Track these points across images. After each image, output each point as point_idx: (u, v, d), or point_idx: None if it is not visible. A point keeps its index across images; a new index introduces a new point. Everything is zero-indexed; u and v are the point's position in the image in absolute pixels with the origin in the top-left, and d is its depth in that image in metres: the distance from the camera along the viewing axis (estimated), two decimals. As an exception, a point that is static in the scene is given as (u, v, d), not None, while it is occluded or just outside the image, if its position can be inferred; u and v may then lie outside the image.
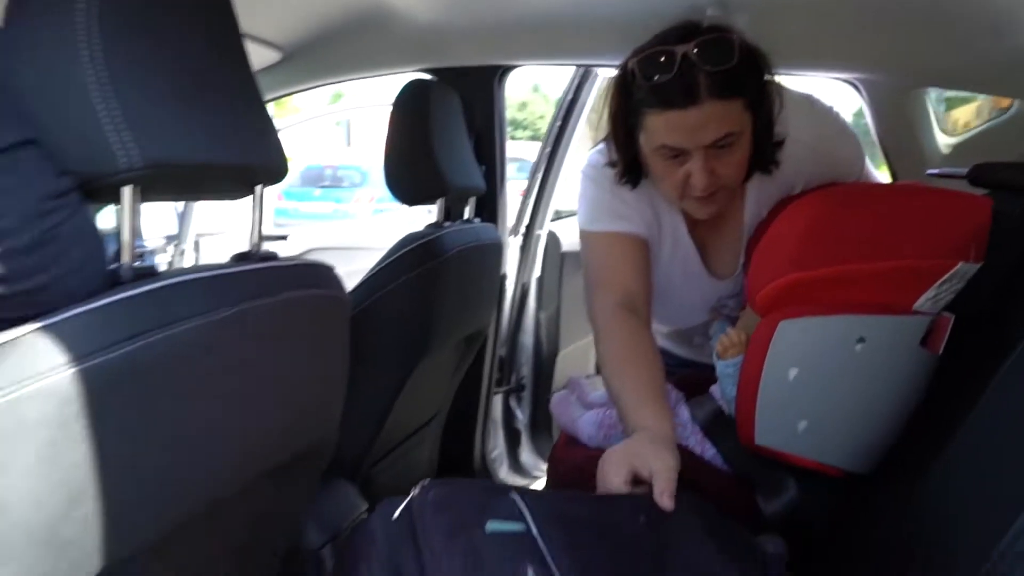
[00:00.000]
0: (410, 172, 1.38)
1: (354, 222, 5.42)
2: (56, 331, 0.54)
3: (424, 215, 2.08)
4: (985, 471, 0.89)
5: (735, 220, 1.27)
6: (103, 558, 0.58)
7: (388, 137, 1.38)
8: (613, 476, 0.89)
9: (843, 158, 1.25)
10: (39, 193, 0.54)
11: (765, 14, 1.18)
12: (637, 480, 0.90)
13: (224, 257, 0.78)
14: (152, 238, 2.36)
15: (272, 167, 0.77)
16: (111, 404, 0.56)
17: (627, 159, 1.18)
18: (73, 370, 0.54)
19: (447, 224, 1.48)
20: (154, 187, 0.63)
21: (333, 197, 8.36)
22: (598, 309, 1.21)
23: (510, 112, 2.06)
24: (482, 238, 1.53)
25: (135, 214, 0.62)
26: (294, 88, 1.80)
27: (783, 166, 1.19)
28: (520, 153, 5.51)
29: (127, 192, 0.61)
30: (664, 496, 0.85)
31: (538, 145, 2.22)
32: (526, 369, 2.21)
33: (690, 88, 1.03)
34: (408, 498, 0.74)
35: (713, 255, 1.32)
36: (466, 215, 1.64)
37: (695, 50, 1.03)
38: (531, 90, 18.13)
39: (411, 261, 1.31)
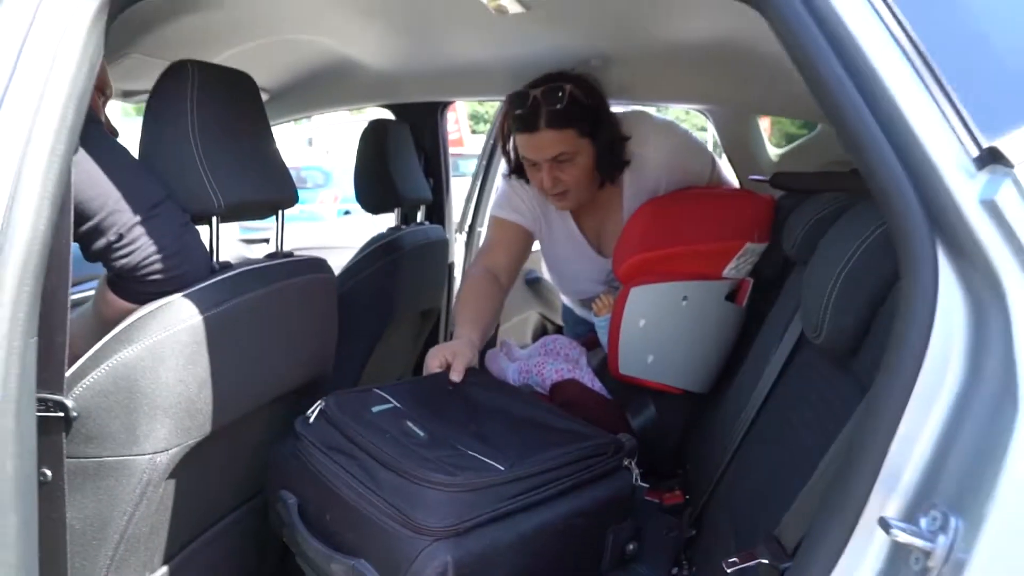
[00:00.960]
0: (373, 188, 1.84)
1: (324, 224, 5.89)
2: (188, 298, 1.00)
3: (384, 217, 2.52)
4: (753, 364, 1.36)
5: (616, 213, 1.75)
6: (211, 424, 1.05)
7: (356, 164, 1.84)
8: (432, 360, 1.37)
9: (692, 169, 1.73)
10: (176, 224, 1.01)
11: (633, 64, 1.65)
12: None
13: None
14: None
15: (289, 197, 1.24)
16: (215, 337, 1.03)
17: (513, 162, 1.69)
18: (197, 319, 1.00)
19: (403, 227, 1.95)
20: (228, 216, 1.10)
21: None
22: (472, 268, 1.73)
23: (472, 106, 2.49)
24: (431, 236, 2.01)
25: (219, 233, 1.09)
26: (280, 120, 2.23)
27: (648, 173, 1.67)
28: (481, 149, 5.72)
29: (215, 221, 1.08)
30: (453, 373, 1.33)
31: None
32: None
33: (534, 119, 1.52)
34: (316, 409, 1.13)
35: (600, 238, 1.81)
36: (419, 219, 2.11)
37: (540, 93, 1.51)
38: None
39: (377, 255, 1.78)
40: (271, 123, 2.23)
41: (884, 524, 0.61)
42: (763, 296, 1.58)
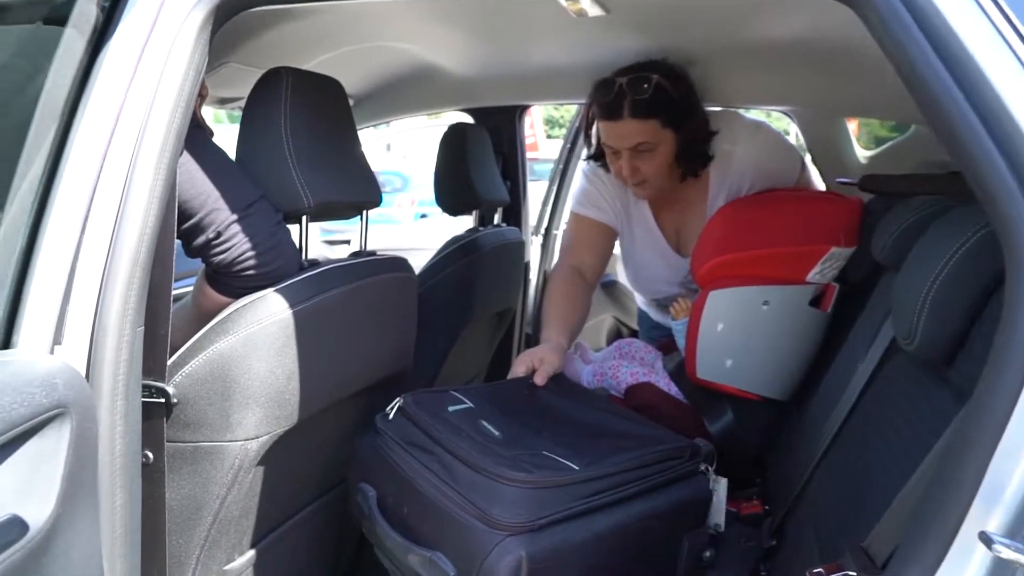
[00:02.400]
0: (453, 191, 1.88)
1: (400, 227, 6.03)
2: (279, 293, 1.05)
3: (460, 220, 2.55)
4: (838, 373, 1.32)
5: (699, 211, 1.71)
6: (298, 414, 1.09)
7: (436, 167, 1.88)
8: (519, 365, 1.39)
9: (779, 171, 1.68)
10: (270, 222, 1.06)
11: (717, 65, 1.62)
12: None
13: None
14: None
15: (373, 198, 1.28)
16: (303, 331, 1.07)
17: (594, 148, 1.67)
18: (286, 313, 1.05)
19: (481, 229, 1.98)
20: (317, 216, 1.14)
21: (374, 202, 8.91)
22: (556, 268, 1.72)
23: (547, 111, 2.50)
24: (508, 238, 2.03)
25: (308, 232, 1.14)
26: (363, 125, 2.30)
27: (734, 172, 1.64)
28: (557, 153, 5.68)
29: (304, 220, 1.12)
30: (537, 377, 1.34)
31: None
32: (548, 343, 2.67)
33: (618, 108, 1.50)
34: (395, 406, 1.16)
35: (679, 236, 1.77)
36: (496, 221, 2.13)
37: (626, 82, 1.50)
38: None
39: (456, 256, 1.81)
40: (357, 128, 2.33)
41: (985, 539, 0.58)
42: (849, 302, 1.52)
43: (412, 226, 7.11)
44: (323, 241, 3.63)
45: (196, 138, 1.01)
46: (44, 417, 0.66)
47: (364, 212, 1.29)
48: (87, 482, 0.73)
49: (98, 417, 0.80)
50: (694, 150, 1.59)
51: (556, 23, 1.49)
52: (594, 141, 1.68)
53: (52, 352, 0.75)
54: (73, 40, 0.77)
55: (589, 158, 1.73)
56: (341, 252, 1.59)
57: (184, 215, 1.00)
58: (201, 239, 1.02)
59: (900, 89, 0.69)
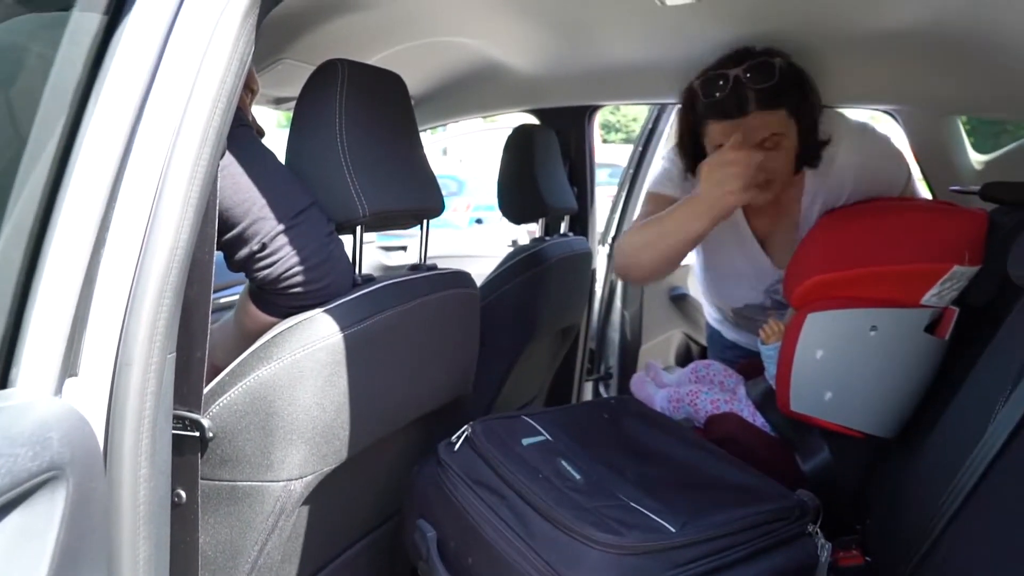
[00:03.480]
0: (518, 198, 1.74)
1: (456, 232, 5.90)
2: (329, 314, 0.93)
3: (515, 227, 2.41)
4: (966, 422, 1.14)
5: (791, 216, 1.53)
6: (348, 450, 0.97)
7: (500, 171, 1.75)
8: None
9: (884, 179, 1.49)
10: (321, 233, 0.94)
11: (816, 60, 1.44)
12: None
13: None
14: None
15: (435, 206, 1.15)
16: (355, 356, 0.95)
17: (691, 161, 1.47)
18: (336, 337, 0.93)
19: (547, 238, 1.84)
20: (373, 225, 1.02)
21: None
22: (630, 230, 1.51)
23: (604, 114, 2.36)
24: (575, 249, 1.88)
25: (363, 243, 1.01)
26: (423, 126, 2.20)
27: (833, 176, 1.46)
28: (612, 158, 5.53)
29: (359, 230, 1.00)
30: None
31: (630, 148, 2.52)
32: (613, 360, 2.50)
33: (742, 102, 1.32)
34: (462, 435, 1.04)
35: (767, 242, 1.59)
36: (562, 230, 1.99)
37: (745, 73, 1.32)
38: (625, 93, 18.16)
39: (520, 268, 1.67)
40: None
41: None
42: (971, 328, 1.33)
43: (468, 231, 7.03)
44: (379, 247, 3.55)
45: (242, 138, 0.90)
46: (29, 485, 0.54)
47: (425, 221, 1.17)
48: (89, 552, 0.61)
49: (121, 459, 0.69)
50: (814, 139, 1.41)
51: (637, 12, 1.34)
52: (687, 156, 1.50)
53: (62, 387, 0.64)
54: (84, 18, 0.66)
55: (687, 171, 1.53)
56: (397, 259, 1.46)
57: (226, 224, 0.89)
58: (244, 251, 0.90)
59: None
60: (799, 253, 1.43)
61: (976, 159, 1.74)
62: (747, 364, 1.69)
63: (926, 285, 1.31)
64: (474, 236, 5.81)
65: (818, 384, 1.36)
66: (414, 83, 1.98)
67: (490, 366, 1.62)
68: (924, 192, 1.76)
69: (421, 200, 1.10)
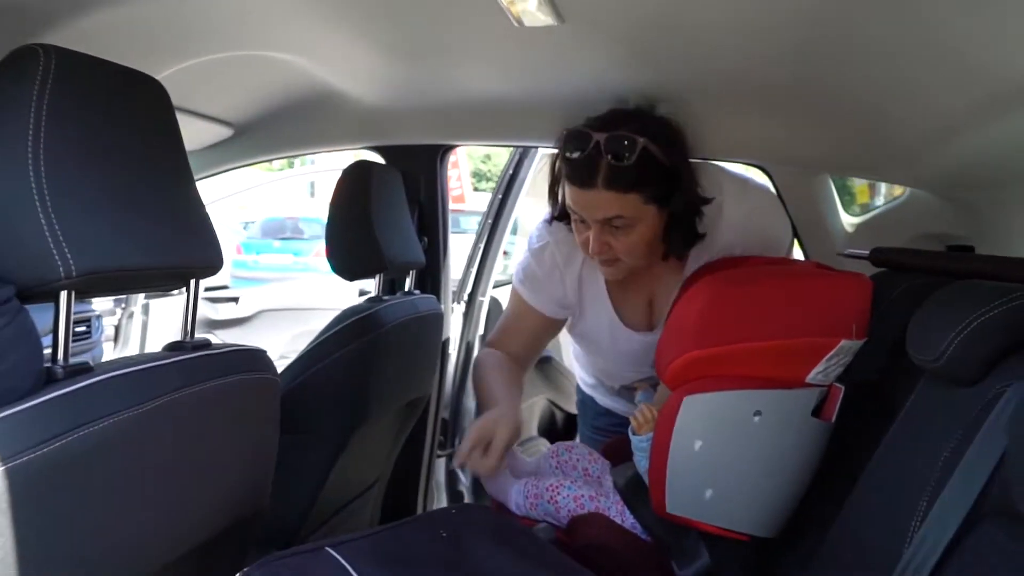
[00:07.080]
0: (350, 249, 1.44)
1: (308, 280, 5.37)
2: (-6, 428, 0.59)
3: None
4: (876, 527, 0.96)
5: (672, 282, 1.36)
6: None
7: (330, 217, 1.44)
8: (466, 443, 1.22)
9: (771, 235, 1.37)
10: (-19, 305, 0.61)
11: (686, 107, 1.29)
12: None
13: (174, 319, 0.84)
14: (101, 301, 2.35)
15: (207, 263, 0.83)
16: (39, 499, 0.61)
17: (558, 209, 1.33)
18: (17, 462, 0.59)
19: (387, 297, 1.55)
20: (89, 290, 0.70)
21: (292, 249, 8.33)
22: (489, 342, 1.48)
23: (475, 163, 2.16)
24: (420, 309, 1.60)
25: (70, 315, 0.68)
26: (246, 161, 1.86)
27: (718, 238, 1.32)
28: (484, 207, 5.46)
29: (63, 296, 0.67)
30: (489, 457, 1.21)
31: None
32: (470, 431, 2.25)
33: (590, 173, 1.16)
34: None
35: (652, 309, 1.44)
36: (407, 287, 1.71)
37: (604, 140, 1.14)
38: (494, 143, 18.42)
39: (349, 336, 1.36)
40: (236, 164, 1.88)
41: None
42: (857, 407, 1.18)
43: (330, 279, 6.58)
44: (204, 298, 3.06)
45: None
46: None
47: (193, 282, 0.85)
48: None
49: None
50: (684, 229, 1.27)
51: (492, 37, 1.13)
52: (555, 202, 1.34)
53: None
54: None
55: (552, 219, 1.38)
56: (227, 311, 1.10)
57: None
58: None
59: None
60: (672, 324, 1.24)
61: (848, 221, 1.65)
62: (616, 442, 1.47)
63: (812, 362, 1.15)
64: (336, 284, 5.40)
65: (697, 481, 1.16)
66: (232, 107, 1.66)
67: (309, 458, 1.30)
68: (797, 253, 1.65)
69: (179, 254, 0.79)
